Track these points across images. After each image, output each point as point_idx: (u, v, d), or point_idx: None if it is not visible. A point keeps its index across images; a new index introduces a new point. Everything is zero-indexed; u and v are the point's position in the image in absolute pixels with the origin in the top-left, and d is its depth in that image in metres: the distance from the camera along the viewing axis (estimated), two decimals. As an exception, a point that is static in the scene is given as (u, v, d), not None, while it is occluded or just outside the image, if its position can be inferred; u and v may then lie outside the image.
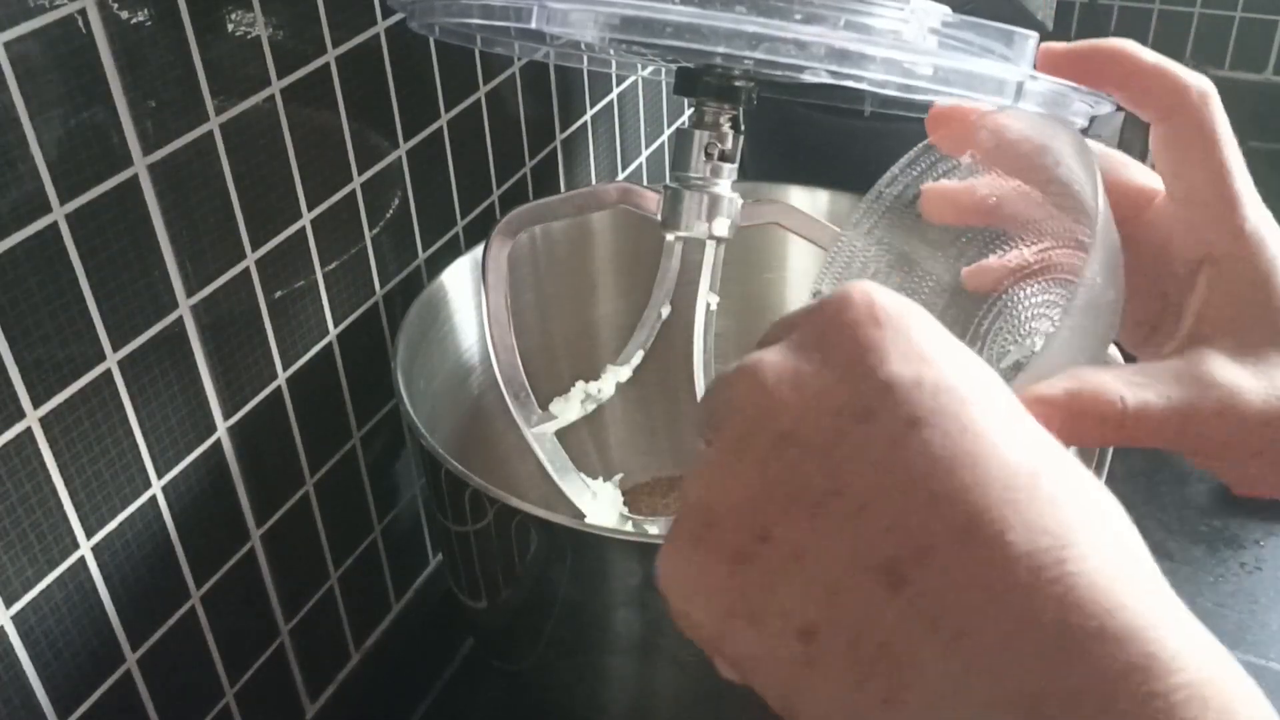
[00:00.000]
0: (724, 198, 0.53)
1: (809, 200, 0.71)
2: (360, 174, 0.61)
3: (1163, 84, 0.38)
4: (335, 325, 0.62)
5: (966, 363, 0.27)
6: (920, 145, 0.44)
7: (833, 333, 0.28)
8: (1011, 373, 0.39)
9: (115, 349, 0.49)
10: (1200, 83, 0.38)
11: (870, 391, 0.26)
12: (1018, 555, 0.24)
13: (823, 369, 0.27)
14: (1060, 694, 0.23)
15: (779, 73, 0.49)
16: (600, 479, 0.64)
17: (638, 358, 0.62)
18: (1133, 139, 0.93)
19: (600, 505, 0.62)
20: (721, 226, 0.54)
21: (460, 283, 0.67)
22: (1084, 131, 0.42)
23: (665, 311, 0.61)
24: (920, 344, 0.27)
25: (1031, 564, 0.24)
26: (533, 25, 0.41)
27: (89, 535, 0.49)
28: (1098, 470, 0.57)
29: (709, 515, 0.27)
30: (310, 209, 0.58)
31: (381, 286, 0.65)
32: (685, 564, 0.28)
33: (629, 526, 0.63)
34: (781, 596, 0.26)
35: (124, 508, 0.51)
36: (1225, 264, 0.37)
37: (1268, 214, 0.37)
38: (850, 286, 0.28)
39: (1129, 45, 0.39)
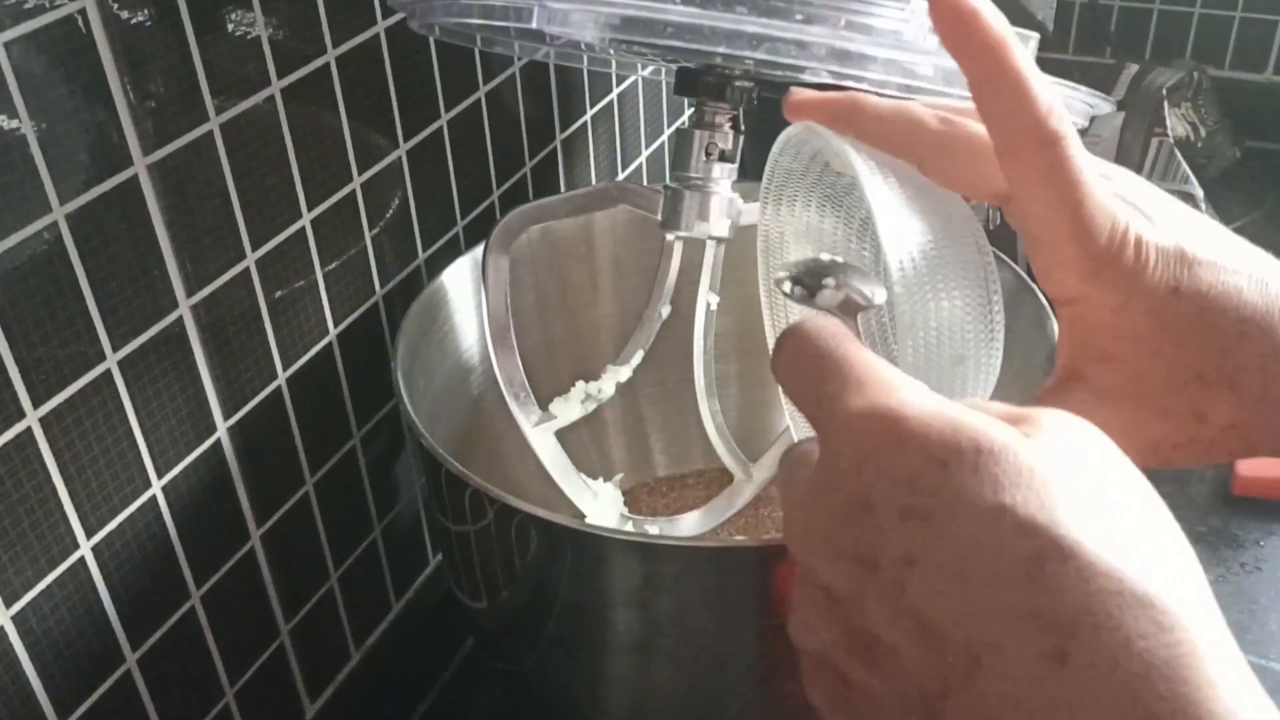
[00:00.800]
0: (724, 198, 0.53)
1: (809, 200, 0.71)
2: (360, 174, 0.61)
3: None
4: (335, 325, 0.62)
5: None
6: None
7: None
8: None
9: (115, 349, 0.49)
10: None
11: (907, 551, 0.28)
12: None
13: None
14: None
15: (779, 73, 0.49)
16: (600, 479, 0.64)
17: (638, 358, 0.62)
18: (1132, 142, 0.93)
19: (600, 505, 0.62)
20: (721, 226, 0.54)
21: (460, 283, 0.67)
22: (1083, 132, 0.41)
23: (665, 311, 0.61)
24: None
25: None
26: (533, 25, 0.41)
27: (89, 535, 0.49)
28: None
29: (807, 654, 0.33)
30: (310, 209, 0.58)
31: (381, 286, 0.65)
32: (813, 690, 0.34)
33: (629, 526, 0.63)
34: None
35: (124, 508, 0.51)
36: (1079, 305, 0.36)
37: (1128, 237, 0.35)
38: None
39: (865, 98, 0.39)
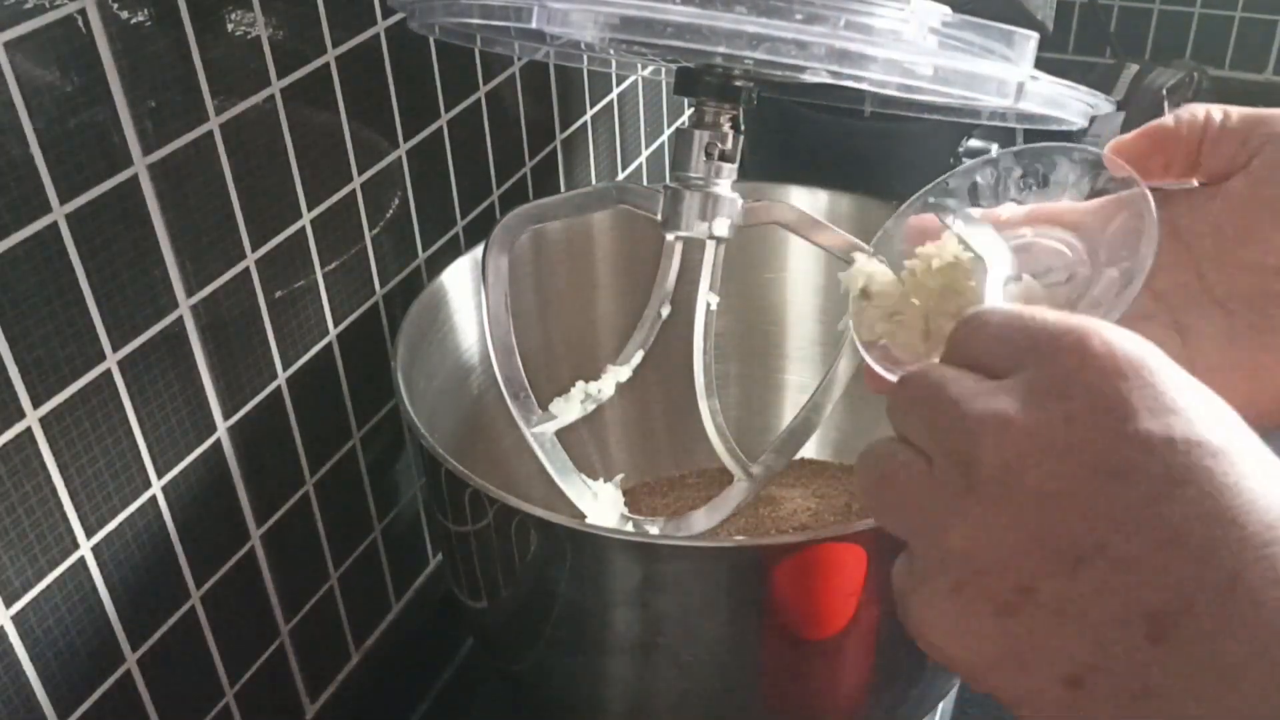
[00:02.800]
0: (724, 198, 0.53)
1: (809, 200, 0.71)
2: (360, 174, 0.61)
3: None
4: (335, 325, 0.62)
5: (1211, 411, 0.28)
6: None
7: (1075, 385, 0.28)
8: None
9: (115, 349, 0.49)
10: None
11: (1124, 449, 0.27)
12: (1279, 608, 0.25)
13: (1070, 424, 0.28)
14: None
15: (779, 73, 0.49)
16: (600, 479, 0.64)
17: (638, 358, 0.62)
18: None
19: (600, 505, 0.62)
20: (721, 226, 0.54)
21: (460, 283, 0.67)
22: (1084, 132, 0.42)
23: (665, 311, 0.61)
24: (1165, 395, 0.28)
25: None
26: (533, 25, 0.41)
27: (89, 535, 0.49)
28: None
29: (972, 566, 0.29)
30: (310, 209, 0.58)
31: (381, 286, 0.65)
32: (948, 608, 0.29)
33: (629, 526, 0.63)
34: (1048, 646, 0.28)
35: (124, 508, 0.51)
36: None
37: None
38: (1087, 332, 0.29)
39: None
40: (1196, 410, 0.28)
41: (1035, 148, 0.45)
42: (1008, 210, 0.45)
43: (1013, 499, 0.28)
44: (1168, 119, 0.41)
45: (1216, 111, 0.41)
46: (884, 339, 0.42)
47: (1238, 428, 0.28)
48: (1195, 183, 0.42)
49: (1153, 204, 0.40)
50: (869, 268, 0.45)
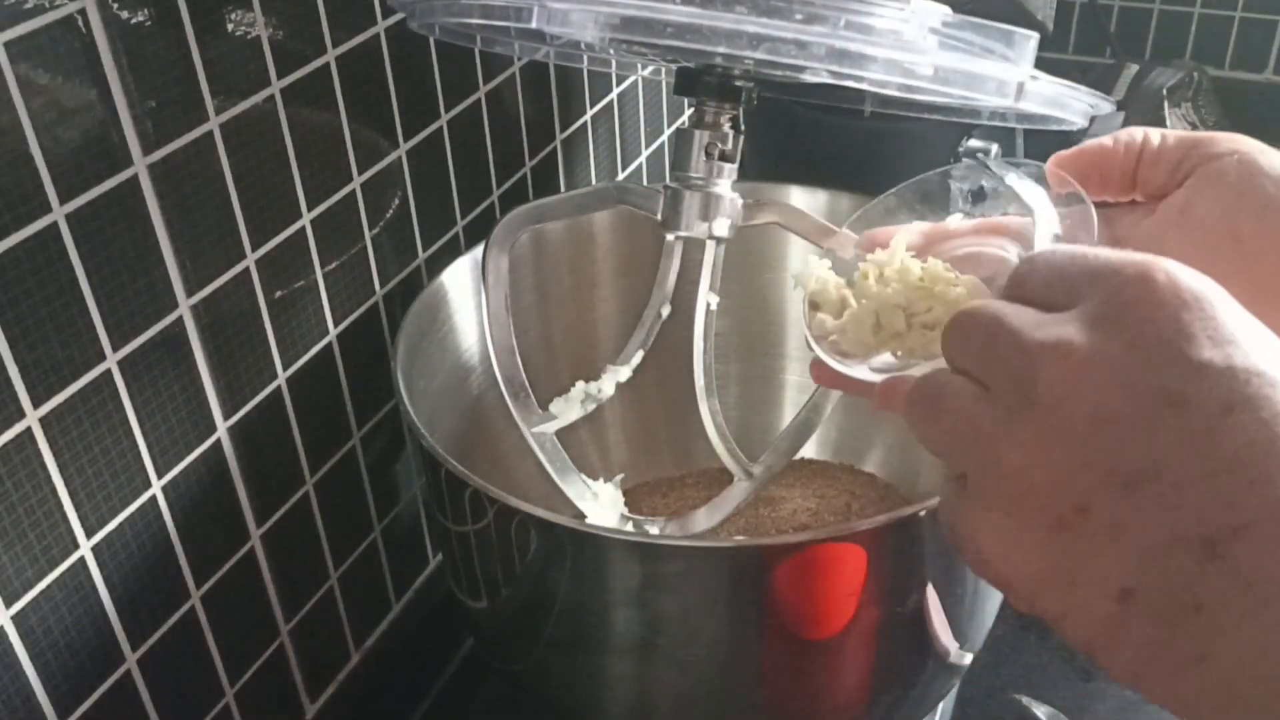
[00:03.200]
0: (724, 198, 0.53)
1: (809, 200, 0.71)
2: (360, 174, 0.61)
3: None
4: (335, 325, 0.62)
5: (1269, 344, 0.29)
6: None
7: (1137, 312, 0.29)
8: None
9: (115, 349, 0.49)
10: None
11: (1183, 376, 0.28)
12: None
13: (1132, 351, 0.29)
14: None
15: (779, 73, 0.49)
16: (600, 479, 0.64)
17: (638, 358, 0.62)
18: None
19: (600, 505, 0.62)
20: (721, 226, 0.54)
21: (460, 283, 0.67)
22: (1084, 132, 0.42)
23: (665, 311, 0.61)
24: (1226, 326, 0.29)
25: None
26: (533, 25, 0.41)
27: (89, 535, 0.49)
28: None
29: (1029, 483, 0.29)
30: (310, 209, 0.58)
31: (381, 286, 0.65)
32: (1001, 526, 0.30)
33: (629, 527, 0.63)
34: (1100, 563, 0.29)
35: (124, 508, 0.51)
36: None
37: None
38: (1151, 264, 0.30)
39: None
40: (1256, 342, 0.28)
41: (921, 179, 0.48)
42: (955, 221, 0.47)
43: (1072, 421, 0.29)
44: (1106, 139, 0.44)
45: (1155, 135, 0.43)
46: (834, 335, 0.44)
47: None
48: (1135, 199, 0.45)
49: (1093, 210, 0.42)
50: (818, 270, 0.47)
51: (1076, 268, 0.31)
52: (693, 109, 0.53)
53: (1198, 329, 0.28)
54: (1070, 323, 0.30)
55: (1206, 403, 0.28)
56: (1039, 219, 0.43)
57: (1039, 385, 0.29)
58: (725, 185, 0.53)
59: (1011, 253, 0.44)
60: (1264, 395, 0.28)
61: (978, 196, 0.47)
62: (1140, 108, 0.95)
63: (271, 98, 0.54)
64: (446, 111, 0.68)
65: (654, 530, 0.62)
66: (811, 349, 0.44)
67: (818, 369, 0.44)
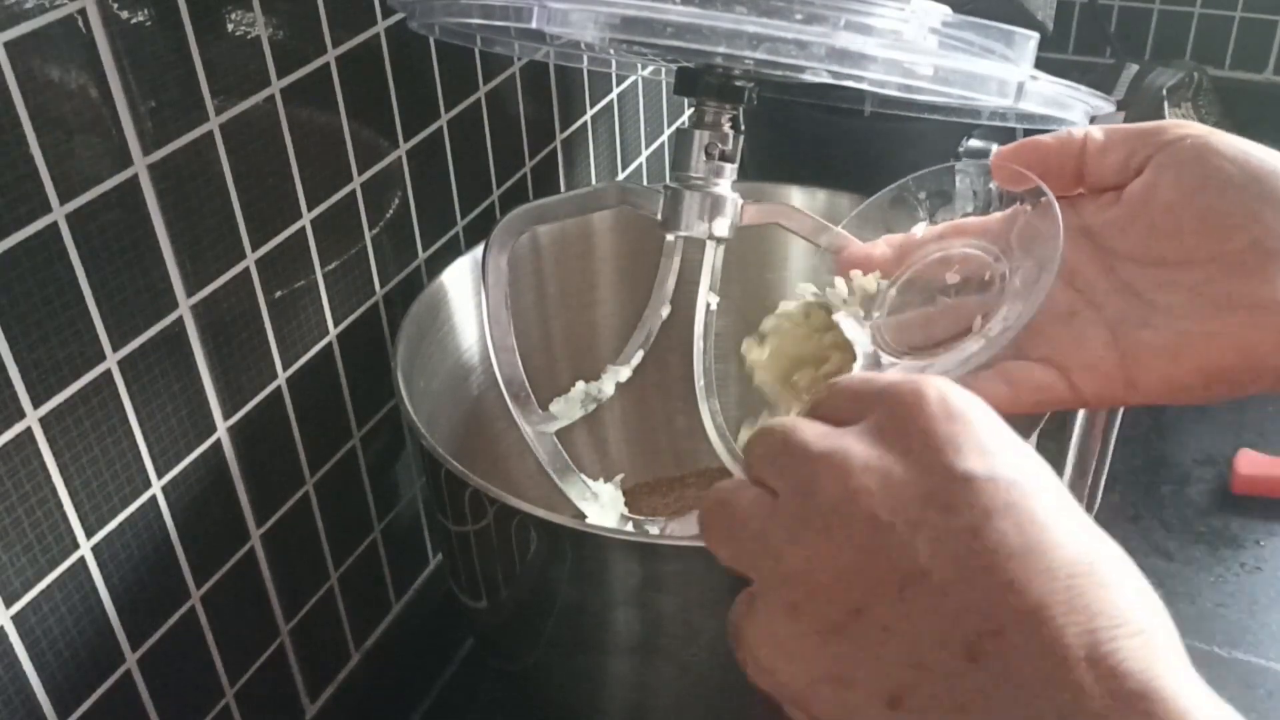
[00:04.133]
0: (724, 198, 0.53)
1: (809, 200, 0.71)
2: (360, 174, 0.61)
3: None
4: (335, 325, 0.62)
5: (1026, 456, 0.31)
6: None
7: (911, 426, 0.31)
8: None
9: (115, 349, 0.49)
10: None
11: (950, 482, 0.30)
12: (1079, 633, 0.28)
13: (904, 460, 0.31)
14: None
15: (779, 73, 0.49)
16: (600, 479, 0.64)
17: (638, 358, 0.62)
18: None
19: (600, 506, 0.62)
20: (721, 226, 0.54)
21: (460, 283, 0.67)
22: (1084, 132, 0.42)
23: (665, 311, 0.61)
24: (988, 439, 0.31)
25: (1091, 640, 0.28)
26: (533, 25, 0.41)
27: (89, 535, 0.49)
28: (1101, 453, 0.57)
29: (811, 585, 0.30)
30: (310, 209, 0.58)
31: (381, 286, 0.65)
32: (783, 630, 0.31)
33: (629, 527, 0.63)
34: (871, 666, 0.30)
35: (124, 508, 0.51)
36: None
37: None
38: (924, 383, 0.32)
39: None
40: (1014, 453, 0.31)
41: (935, 170, 0.49)
42: (920, 230, 0.48)
43: (849, 524, 0.30)
44: (1045, 136, 0.45)
45: (1097, 131, 0.44)
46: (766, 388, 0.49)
47: (1047, 471, 0.31)
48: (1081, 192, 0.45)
49: (1055, 204, 0.43)
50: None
51: (864, 387, 0.34)
52: (693, 109, 0.53)
53: (964, 440, 0.31)
54: (852, 435, 0.32)
55: (971, 509, 0.29)
56: (857, 351, 0.46)
57: (821, 491, 0.31)
58: (725, 185, 0.53)
59: (981, 249, 0.46)
60: (1022, 504, 0.29)
61: (941, 201, 0.49)
62: (1140, 108, 0.95)
63: (271, 98, 0.54)
64: (446, 111, 0.68)
65: (654, 530, 0.62)
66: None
67: None
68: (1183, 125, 0.42)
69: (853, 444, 0.31)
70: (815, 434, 0.32)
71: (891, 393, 0.32)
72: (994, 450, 0.31)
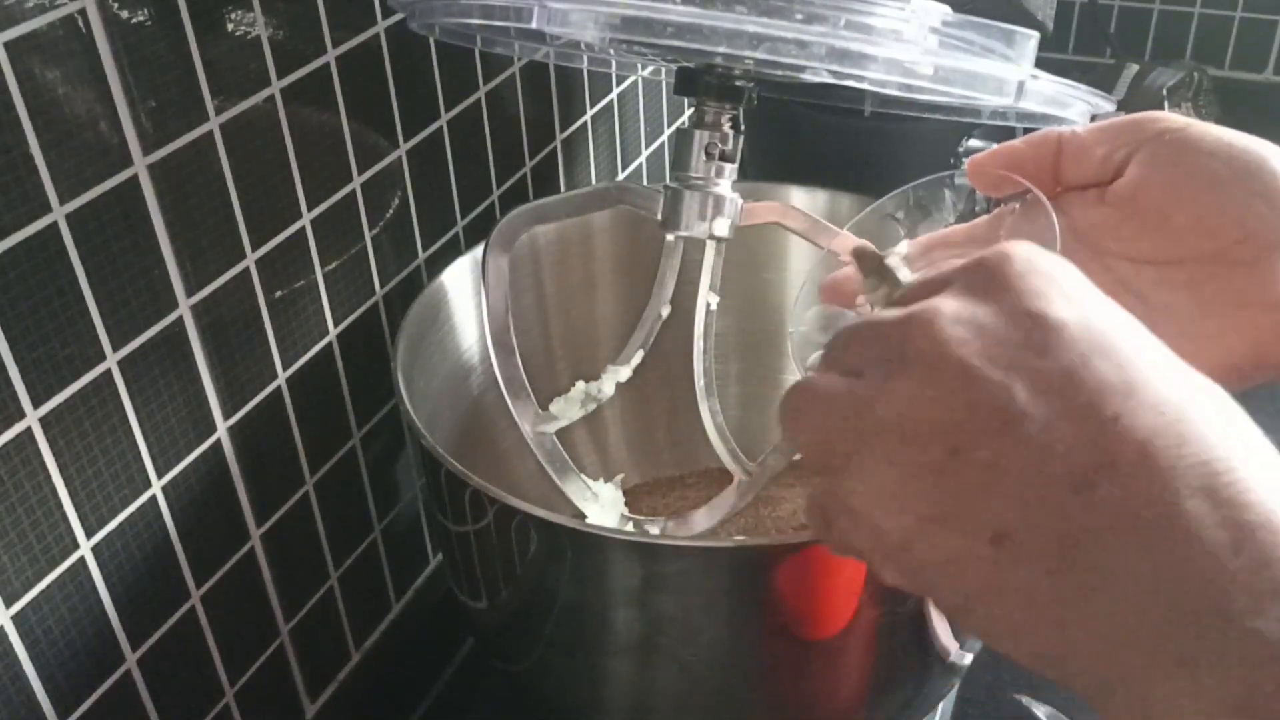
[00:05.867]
0: (724, 198, 0.53)
1: (809, 200, 0.71)
2: (360, 174, 0.61)
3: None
4: (335, 325, 0.62)
5: (1117, 309, 0.31)
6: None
7: (1000, 281, 0.31)
8: None
9: (115, 349, 0.49)
10: None
11: (1044, 331, 0.30)
12: (1193, 465, 0.28)
13: (995, 311, 0.30)
14: (1240, 573, 0.27)
15: (780, 72, 0.49)
16: (600, 479, 0.64)
17: (638, 358, 0.62)
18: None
19: (600, 506, 0.62)
20: (721, 226, 0.54)
21: (460, 283, 0.67)
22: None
23: (665, 311, 0.61)
24: (1078, 291, 0.31)
25: (1206, 471, 0.28)
26: (533, 25, 0.41)
27: (89, 535, 0.49)
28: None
29: (908, 429, 0.30)
30: (310, 209, 0.58)
31: (381, 286, 0.65)
32: (874, 478, 0.31)
33: (629, 527, 0.63)
34: (975, 505, 0.29)
35: (124, 508, 0.51)
36: None
37: None
38: (1008, 245, 0.32)
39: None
40: (1106, 305, 0.31)
41: (917, 184, 0.49)
42: (903, 247, 0.48)
43: (942, 373, 0.30)
44: (1018, 141, 0.45)
45: (1067, 132, 0.44)
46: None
47: (1139, 324, 0.31)
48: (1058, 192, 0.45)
49: (1047, 202, 0.43)
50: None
51: (946, 267, 0.33)
52: (693, 109, 0.53)
53: (1054, 292, 0.30)
54: (938, 297, 0.32)
55: (1068, 352, 0.29)
56: None
57: (908, 345, 0.31)
58: (725, 185, 0.53)
59: (962, 259, 0.46)
60: (1119, 345, 0.30)
61: (921, 215, 0.49)
62: (1140, 108, 0.95)
63: (271, 98, 0.54)
64: (446, 111, 0.68)
65: (654, 530, 0.62)
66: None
67: None
68: (1160, 119, 0.42)
69: (940, 301, 0.31)
70: (896, 310, 0.32)
71: (975, 259, 0.32)
72: (1085, 300, 0.31)
